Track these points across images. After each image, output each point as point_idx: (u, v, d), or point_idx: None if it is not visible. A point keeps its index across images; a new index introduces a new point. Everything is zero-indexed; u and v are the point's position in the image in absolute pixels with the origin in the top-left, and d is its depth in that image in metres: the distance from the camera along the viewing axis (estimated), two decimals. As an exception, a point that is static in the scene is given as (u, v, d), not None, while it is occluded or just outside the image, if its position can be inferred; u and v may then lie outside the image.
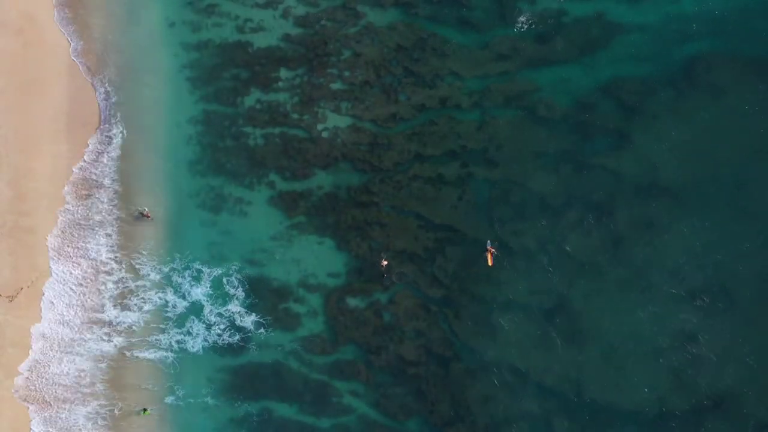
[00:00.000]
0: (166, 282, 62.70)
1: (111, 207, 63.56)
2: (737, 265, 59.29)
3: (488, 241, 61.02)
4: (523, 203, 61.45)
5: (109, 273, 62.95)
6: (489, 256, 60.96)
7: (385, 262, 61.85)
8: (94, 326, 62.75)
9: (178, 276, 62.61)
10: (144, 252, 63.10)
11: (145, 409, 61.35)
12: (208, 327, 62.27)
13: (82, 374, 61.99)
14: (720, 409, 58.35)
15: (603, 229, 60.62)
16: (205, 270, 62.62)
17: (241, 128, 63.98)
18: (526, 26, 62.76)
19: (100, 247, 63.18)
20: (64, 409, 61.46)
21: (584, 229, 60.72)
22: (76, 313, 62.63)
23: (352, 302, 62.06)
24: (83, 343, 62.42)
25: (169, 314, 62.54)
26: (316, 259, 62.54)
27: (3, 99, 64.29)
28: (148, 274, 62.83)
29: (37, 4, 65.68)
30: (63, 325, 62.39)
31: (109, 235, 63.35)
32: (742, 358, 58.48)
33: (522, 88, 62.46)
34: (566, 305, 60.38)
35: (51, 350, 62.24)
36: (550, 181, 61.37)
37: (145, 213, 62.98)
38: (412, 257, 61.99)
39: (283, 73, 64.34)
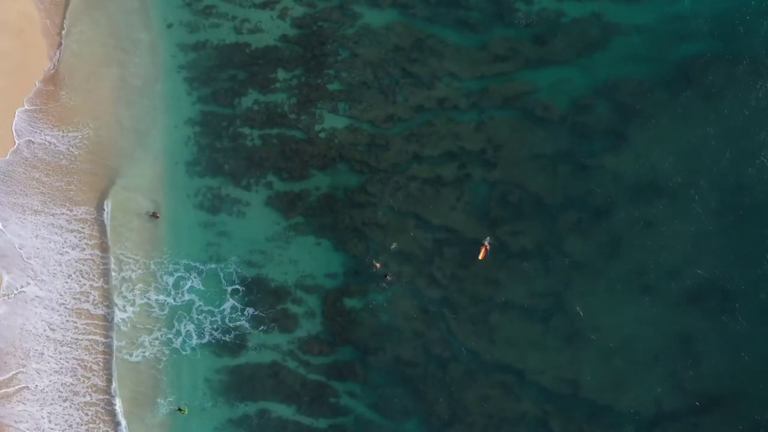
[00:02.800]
0: (163, 282, 62.92)
1: (109, 207, 64.00)
2: (736, 265, 59.08)
3: (487, 237, 60.98)
4: (521, 204, 61.33)
5: (104, 271, 63.43)
6: (483, 251, 60.91)
7: (378, 265, 61.89)
8: (76, 320, 63.43)
9: (175, 275, 62.84)
10: (142, 251, 63.44)
11: (180, 408, 61.72)
12: (206, 327, 62.47)
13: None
14: (718, 409, 58.22)
15: (601, 229, 60.48)
16: (202, 269, 62.80)
17: (239, 129, 64.07)
18: (524, 23, 62.51)
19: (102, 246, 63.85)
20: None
21: (582, 230, 60.61)
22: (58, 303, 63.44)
23: (350, 303, 62.13)
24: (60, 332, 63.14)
25: (164, 314, 62.87)
26: (314, 260, 62.65)
27: (3, 99, 64.45)
28: (144, 274, 63.09)
29: (35, 6, 65.80)
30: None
31: (110, 235, 63.84)
32: (741, 359, 58.32)
33: (520, 89, 62.28)
34: (564, 306, 60.30)
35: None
36: (548, 181, 61.23)
37: (154, 214, 63.22)
38: (410, 258, 62.01)
39: (281, 73, 64.33)
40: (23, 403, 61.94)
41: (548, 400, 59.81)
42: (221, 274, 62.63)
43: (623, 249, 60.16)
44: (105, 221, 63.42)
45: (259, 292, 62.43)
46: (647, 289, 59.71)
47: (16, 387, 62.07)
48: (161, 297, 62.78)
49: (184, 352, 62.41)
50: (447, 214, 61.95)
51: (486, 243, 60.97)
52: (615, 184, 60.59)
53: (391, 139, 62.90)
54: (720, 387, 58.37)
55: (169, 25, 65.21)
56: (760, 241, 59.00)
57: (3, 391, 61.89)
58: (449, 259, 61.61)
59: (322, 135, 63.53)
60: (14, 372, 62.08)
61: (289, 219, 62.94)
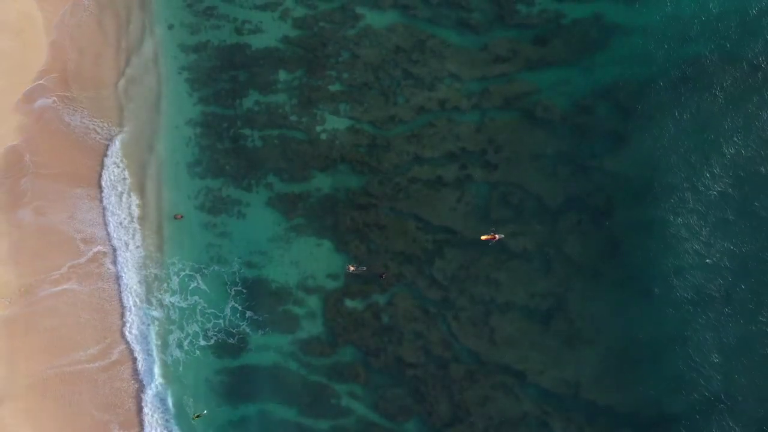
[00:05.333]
0: (174, 283, 62.90)
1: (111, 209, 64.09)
2: (736, 266, 59.24)
3: (502, 234, 61.08)
4: (522, 205, 61.43)
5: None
6: (490, 236, 60.92)
7: (352, 268, 62.04)
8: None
9: (181, 275, 62.79)
10: (163, 252, 63.66)
11: (198, 415, 61.80)
12: (208, 328, 62.44)
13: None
14: (717, 410, 58.32)
15: (601, 230, 60.56)
16: (204, 271, 62.78)
17: (240, 130, 64.09)
18: (534, 23, 62.61)
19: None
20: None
21: (582, 231, 60.70)
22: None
23: (351, 304, 62.13)
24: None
25: (177, 315, 62.80)
26: (315, 261, 62.65)
27: (3, 99, 64.32)
28: (165, 274, 63.19)
29: (36, 5, 65.69)
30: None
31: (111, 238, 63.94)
32: (741, 360, 58.47)
33: (521, 90, 62.43)
34: (564, 307, 60.36)
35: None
36: (549, 182, 61.34)
37: (176, 215, 63.38)
38: (410, 259, 62.05)
39: (282, 74, 64.38)
40: (120, 380, 62.32)
41: (548, 401, 59.84)
42: (222, 276, 62.61)
43: (623, 249, 60.25)
44: (108, 217, 63.64)
45: (261, 294, 62.40)
46: (647, 290, 59.78)
47: (111, 360, 62.47)
48: (174, 298, 62.83)
49: (183, 354, 62.38)
50: (447, 215, 62.00)
51: (495, 234, 60.83)
52: (615, 185, 60.69)
53: (392, 140, 62.96)
54: (719, 388, 58.42)
55: (170, 27, 65.26)
56: (760, 242, 59.12)
57: (99, 364, 62.25)
58: (450, 260, 61.64)
59: (323, 136, 63.55)
60: (107, 343, 62.41)
61: (290, 220, 62.95)
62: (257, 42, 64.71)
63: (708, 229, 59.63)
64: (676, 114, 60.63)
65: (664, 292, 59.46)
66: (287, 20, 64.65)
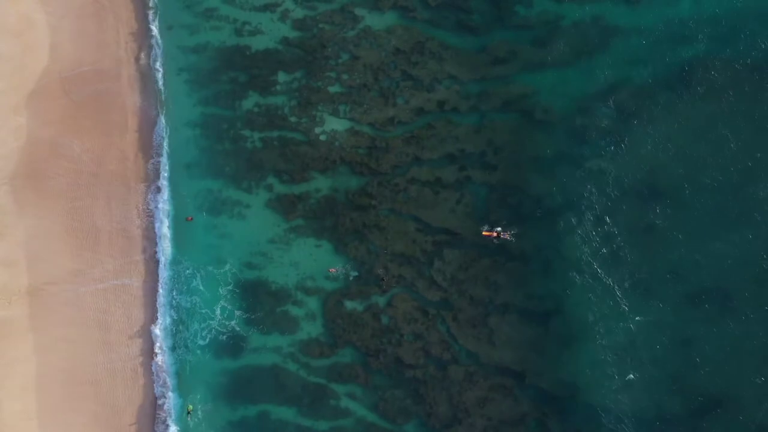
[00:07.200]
0: (177, 283, 63.00)
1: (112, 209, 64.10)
2: (735, 267, 59.31)
3: (507, 235, 61.20)
4: (521, 206, 61.54)
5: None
6: (488, 233, 61.05)
7: (333, 270, 62.14)
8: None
9: (185, 277, 62.80)
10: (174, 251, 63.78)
11: (189, 410, 61.76)
12: (207, 329, 62.43)
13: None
14: (717, 411, 58.37)
15: (600, 232, 60.67)
16: (205, 272, 62.81)
17: (240, 131, 64.14)
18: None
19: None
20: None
21: (581, 233, 60.78)
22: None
23: (351, 305, 62.17)
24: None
25: (183, 316, 62.91)
26: (315, 262, 62.68)
27: (3, 100, 64.31)
28: (175, 273, 63.38)
29: (36, 7, 65.73)
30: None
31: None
32: (740, 361, 58.51)
33: (520, 92, 62.63)
34: (563, 308, 60.43)
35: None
36: (548, 184, 61.46)
37: (188, 218, 63.50)
38: (410, 260, 62.11)
39: (282, 76, 64.47)
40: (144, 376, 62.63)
41: (547, 403, 59.84)
42: (222, 277, 62.61)
43: (622, 251, 60.34)
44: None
45: (260, 295, 62.41)
46: (647, 292, 59.86)
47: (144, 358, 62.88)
48: (183, 298, 62.93)
49: (183, 355, 62.36)
50: (447, 217, 62.08)
51: (500, 232, 60.87)
52: (614, 186, 60.80)
53: (391, 142, 63.08)
54: (719, 389, 58.47)
55: (170, 27, 65.34)
56: (760, 242, 59.20)
57: (133, 362, 62.75)
58: (449, 261, 61.71)
59: (323, 137, 63.64)
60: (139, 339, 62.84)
61: (290, 221, 63.00)
62: (257, 43, 64.82)
63: (708, 228, 59.78)
64: (676, 115, 60.78)
65: (663, 292, 59.56)
66: (287, 22, 64.79)
